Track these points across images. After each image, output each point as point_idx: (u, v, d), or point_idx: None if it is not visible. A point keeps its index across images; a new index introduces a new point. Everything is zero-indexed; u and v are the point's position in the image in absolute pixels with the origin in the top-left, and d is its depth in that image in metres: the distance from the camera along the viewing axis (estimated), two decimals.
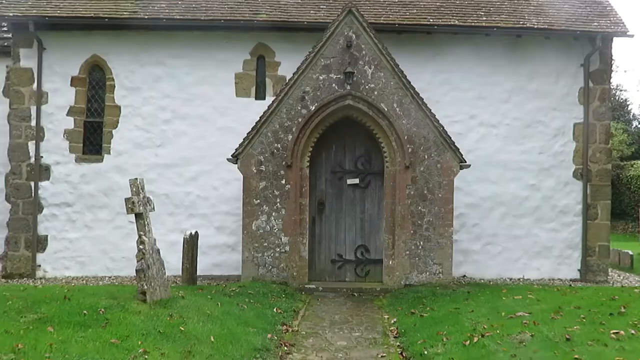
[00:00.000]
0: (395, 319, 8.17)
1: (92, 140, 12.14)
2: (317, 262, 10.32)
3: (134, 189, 7.16)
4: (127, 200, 6.99)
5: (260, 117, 10.16)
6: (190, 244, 10.05)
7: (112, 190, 11.84)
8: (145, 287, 6.89)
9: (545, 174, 12.03)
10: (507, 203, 12.01)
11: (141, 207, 7.12)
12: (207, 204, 11.96)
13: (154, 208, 7.48)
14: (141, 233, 7.11)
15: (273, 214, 9.88)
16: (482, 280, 11.72)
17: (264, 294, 9.14)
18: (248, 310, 7.96)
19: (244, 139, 10.16)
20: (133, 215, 7.10)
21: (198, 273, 11.58)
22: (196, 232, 10.33)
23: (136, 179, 7.19)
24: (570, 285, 11.21)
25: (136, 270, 6.98)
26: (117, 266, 11.88)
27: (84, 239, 11.93)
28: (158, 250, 7.40)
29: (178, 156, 11.93)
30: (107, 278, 11.71)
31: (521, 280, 11.89)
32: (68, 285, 8.55)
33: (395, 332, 7.60)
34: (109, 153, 11.96)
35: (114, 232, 11.88)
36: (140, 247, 7.03)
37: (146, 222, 7.20)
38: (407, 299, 9.16)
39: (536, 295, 8.31)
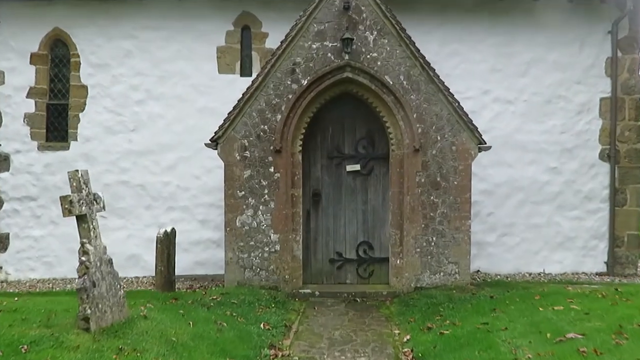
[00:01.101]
0: (408, 336, 6.32)
1: (56, 125, 10.20)
2: (313, 262, 8.47)
3: (75, 184, 5.24)
4: (62, 199, 5.07)
5: (243, 95, 8.24)
6: (165, 243, 8.18)
7: None
8: (89, 311, 5.01)
9: (567, 155, 10.16)
10: (525, 189, 10.17)
11: (84, 207, 5.22)
12: (188, 195, 10.08)
13: (103, 207, 5.57)
14: (84, 240, 5.21)
15: (260, 207, 8.00)
16: (498, 277, 9.92)
17: (249, 303, 7.29)
18: (228, 330, 6.10)
19: (224, 121, 8.26)
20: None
21: (179, 273, 9.80)
22: (173, 230, 8.45)
23: (77, 171, 5.27)
24: (604, 281, 9.41)
25: (77, 290, 5.11)
26: None
27: (50, 236, 10.05)
28: (110, 261, 5.52)
29: (154, 142, 10.02)
30: (76, 280, 9.83)
31: (542, 275, 10.08)
32: (7, 299, 6.71)
33: (411, 356, 5.77)
34: (75, 139, 10.03)
35: None
36: (83, 258, 5.13)
37: (91, 226, 5.30)
38: (419, 307, 7.32)
39: (580, 304, 6.45)
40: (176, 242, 9.71)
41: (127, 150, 10.01)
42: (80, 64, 9.99)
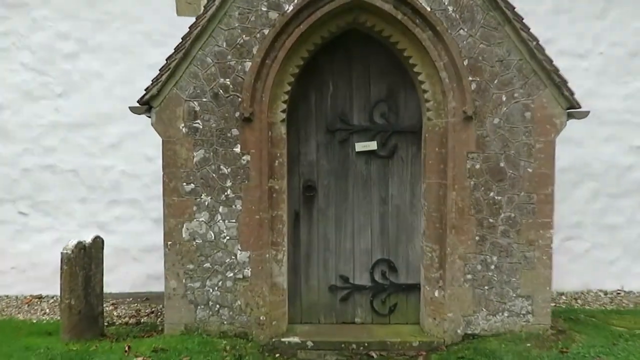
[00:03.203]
0: None
1: None
2: (304, 292, 5.05)
3: None
4: None
5: (190, 29, 4.77)
6: (79, 264, 4.80)
7: None
8: None
9: None
10: (599, 176, 6.68)
11: None
12: (138, 184, 6.65)
13: None
14: None
15: (220, 209, 4.57)
16: (562, 296, 6.51)
17: None
18: None
19: (161, 70, 4.81)
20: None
21: (127, 290, 6.59)
22: (96, 240, 5.07)
23: None
24: None
25: None
26: (2, 281, 6.68)
27: None
28: None
29: (90, 111, 6.56)
30: None
31: (621, 293, 6.68)
32: None
33: None
34: None
35: None
36: None
37: None
38: None
39: None
40: (124, 248, 6.47)
41: (54, 123, 6.57)
42: None
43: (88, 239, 5.04)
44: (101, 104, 6.56)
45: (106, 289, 6.49)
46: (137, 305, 6.26)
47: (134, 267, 6.60)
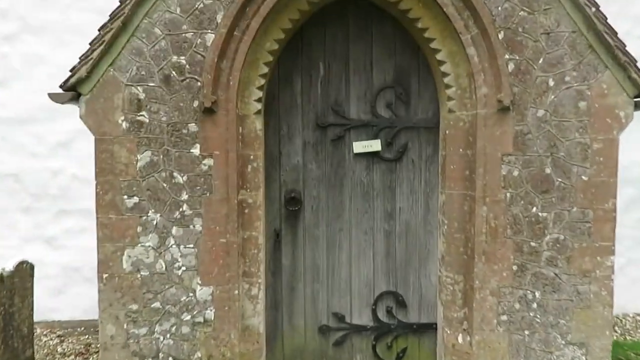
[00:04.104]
0: None
1: None
2: (286, 334, 3.78)
3: None
4: None
5: None
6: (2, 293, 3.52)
7: None
8: None
9: None
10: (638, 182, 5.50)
11: None
12: (92, 190, 5.36)
13: None
14: None
15: (173, 230, 3.30)
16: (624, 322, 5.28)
17: None
18: None
19: (91, 45, 3.52)
20: None
21: (80, 316, 5.43)
22: (21, 267, 3.79)
23: None
24: None
25: None
26: None
27: None
28: None
29: (33, 104, 5.25)
30: None
31: None
32: None
33: None
34: None
35: None
36: None
37: None
38: None
39: None
40: (75, 266, 5.28)
41: None
42: None
43: (9, 265, 3.77)
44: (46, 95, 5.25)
45: (53, 316, 5.23)
46: (88, 338, 4.98)
47: (86, 289, 5.28)
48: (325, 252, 3.72)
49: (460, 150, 3.40)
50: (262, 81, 3.38)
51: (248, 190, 3.37)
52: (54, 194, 5.35)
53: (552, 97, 3.28)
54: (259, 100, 3.38)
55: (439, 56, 3.39)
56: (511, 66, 3.26)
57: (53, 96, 3.27)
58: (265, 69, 3.37)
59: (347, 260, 3.73)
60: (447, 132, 3.46)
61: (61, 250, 5.30)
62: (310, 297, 3.73)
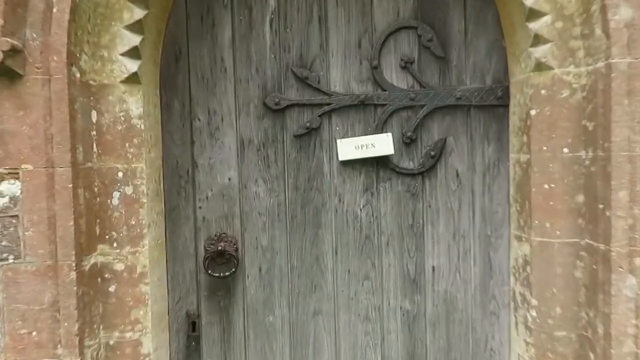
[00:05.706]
0: None
1: None
2: None
3: None
4: None
5: None
6: None
7: None
8: None
9: None
10: None
11: None
12: None
13: None
14: None
15: None
16: None
17: None
18: None
19: None
20: None
21: None
22: None
23: None
24: None
25: None
26: None
27: None
28: None
29: None
30: None
31: None
32: None
33: None
34: None
35: None
36: None
37: None
38: None
39: None
40: None
41: None
42: None
43: None
44: None
45: None
46: None
47: None
48: (287, 358, 1.87)
49: (566, 150, 1.57)
50: (142, 12, 1.56)
51: (114, 245, 1.54)
52: None
53: None
54: (133, 53, 1.55)
55: None
56: None
57: None
58: None
59: None
60: (531, 112, 1.63)
61: None
62: None
